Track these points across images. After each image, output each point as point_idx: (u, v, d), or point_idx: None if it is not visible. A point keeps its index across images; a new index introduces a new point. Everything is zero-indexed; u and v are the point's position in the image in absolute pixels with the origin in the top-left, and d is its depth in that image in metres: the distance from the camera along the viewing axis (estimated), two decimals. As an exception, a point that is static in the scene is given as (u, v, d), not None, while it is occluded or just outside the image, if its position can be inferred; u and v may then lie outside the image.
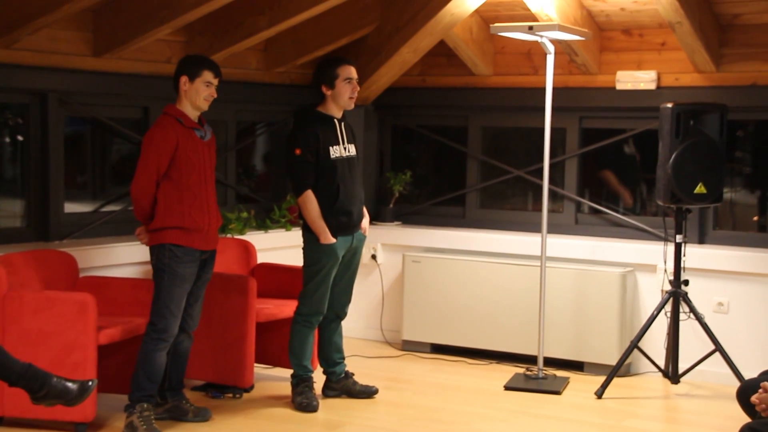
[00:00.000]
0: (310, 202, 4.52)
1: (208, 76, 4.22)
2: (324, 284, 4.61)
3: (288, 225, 5.85)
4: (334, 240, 4.54)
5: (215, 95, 4.28)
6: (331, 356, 4.84)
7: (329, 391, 4.84)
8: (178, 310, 4.21)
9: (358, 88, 4.65)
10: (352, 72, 4.59)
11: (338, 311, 4.80)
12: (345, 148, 4.62)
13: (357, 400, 4.80)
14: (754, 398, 3.22)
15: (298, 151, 4.51)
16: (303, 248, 4.66)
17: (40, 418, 4.09)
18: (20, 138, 4.83)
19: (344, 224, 4.60)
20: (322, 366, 4.86)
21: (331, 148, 4.56)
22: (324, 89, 4.57)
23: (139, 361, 4.18)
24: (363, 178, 6.13)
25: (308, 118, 4.60)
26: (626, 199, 5.88)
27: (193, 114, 4.26)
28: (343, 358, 4.89)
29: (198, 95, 4.21)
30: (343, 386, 4.84)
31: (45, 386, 3.30)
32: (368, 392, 4.84)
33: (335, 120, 4.61)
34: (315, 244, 4.56)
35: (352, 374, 4.89)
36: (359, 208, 4.69)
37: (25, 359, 3.35)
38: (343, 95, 4.57)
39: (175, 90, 4.25)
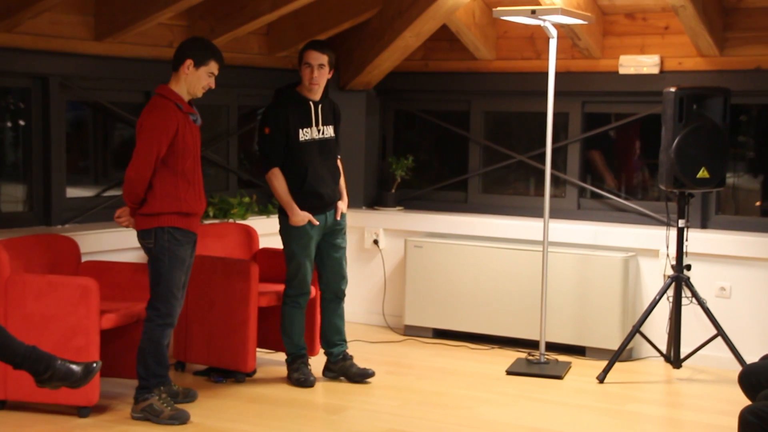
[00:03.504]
0: (276, 179, 4.60)
1: (213, 66, 4.17)
2: (303, 265, 4.67)
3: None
4: (303, 220, 4.59)
5: (213, 86, 4.23)
6: (331, 338, 4.87)
7: (328, 372, 4.88)
8: (180, 292, 4.21)
9: (320, 74, 4.58)
10: (311, 57, 4.59)
11: (336, 291, 4.84)
12: (319, 130, 4.66)
13: (359, 385, 4.80)
14: None
15: (267, 130, 4.61)
16: (279, 230, 4.72)
17: (44, 402, 4.10)
18: (22, 122, 4.82)
19: (315, 206, 4.66)
20: (322, 347, 4.90)
21: (301, 130, 4.61)
22: (299, 71, 4.66)
23: (147, 348, 4.16)
24: (365, 164, 6.21)
25: (283, 98, 4.67)
26: (609, 181, 5.87)
27: (186, 97, 4.21)
28: (344, 341, 4.91)
29: (198, 83, 4.16)
30: (340, 368, 4.87)
31: (49, 368, 3.30)
32: (364, 375, 4.86)
33: (310, 102, 4.65)
34: (286, 225, 4.65)
35: (351, 357, 4.91)
36: (331, 189, 4.72)
37: (28, 343, 3.35)
38: (303, 79, 4.63)
39: (174, 69, 4.17)
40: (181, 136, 4.12)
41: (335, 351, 4.87)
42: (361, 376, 4.84)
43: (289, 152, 4.60)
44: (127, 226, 4.33)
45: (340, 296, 4.87)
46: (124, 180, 4.17)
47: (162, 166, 4.11)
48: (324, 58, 4.61)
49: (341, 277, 4.85)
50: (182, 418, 4.12)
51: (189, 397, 4.41)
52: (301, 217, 4.60)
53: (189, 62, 4.13)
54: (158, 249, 4.14)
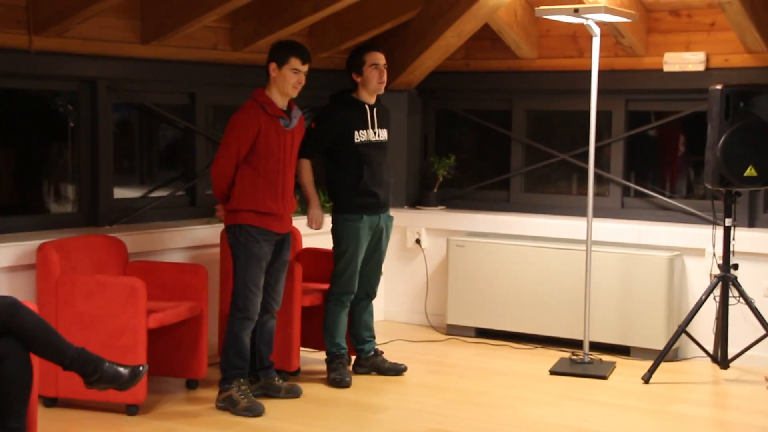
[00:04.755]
0: (303, 167, 4.71)
1: (295, 63, 4.29)
2: (352, 264, 4.74)
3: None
4: (319, 217, 4.73)
5: (303, 82, 4.34)
6: (361, 334, 4.93)
7: (359, 368, 4.93)
8: (257, 288, 4.31)
9: (386, 74, 4.75)
10: (378, 58, 4.73)
11: (368, 290, 4.91)
12: (375, 133, 4.77)
13: (402, 384, 4.82)
14: None
15: (313, 125, 4.76)
16: (331, 229, 4.80)
17: (94, 400, 4.18)
18: (71, 124, 4.92)
19: (371, 204, 4.75)
20: (352, 344, 4.95)
21: (356, 132, 4.71)
22: (354, 77, 4.76)
23: (228, 341, 4.32)
24: (407, 163, 6.23)
25: (339, 101, 4.80)
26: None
27: (281, 101, 4.33)
28: (373, 337, 4.98)
29: (286, 82, 4.28)
30: (372, 363, 4.93)
31: (98, 371, 3.37)
32: (397, 369, 4.92)
33: (366, 105, 4.76)
34: (340, 224, 4.74)
35: (382, 352, 4.98)
36: (386, 190, 4.84)
37: (77, 342, 3.42)
38: (372, 80, 4.72)
39: (267, 76, 4.32)
40: (264, 137, 4.25)
41: (366, 347, 4.93)
42: (395, 371, 4.90)
43: (344, 154, 4.71)
44: (224, 222, 4.48)
45: (371, 296, 4.95)
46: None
47: (245, 164, 4.27)
48: (384, 58, 4.76)
49: (377, 279, 4.93)
50: (256, 411, 4.23)
51: (292, 392, 4.51)
52: (319, 213, 4.73)
53: (273, 65, 4.30)
54: (235, 245, 4.30)
